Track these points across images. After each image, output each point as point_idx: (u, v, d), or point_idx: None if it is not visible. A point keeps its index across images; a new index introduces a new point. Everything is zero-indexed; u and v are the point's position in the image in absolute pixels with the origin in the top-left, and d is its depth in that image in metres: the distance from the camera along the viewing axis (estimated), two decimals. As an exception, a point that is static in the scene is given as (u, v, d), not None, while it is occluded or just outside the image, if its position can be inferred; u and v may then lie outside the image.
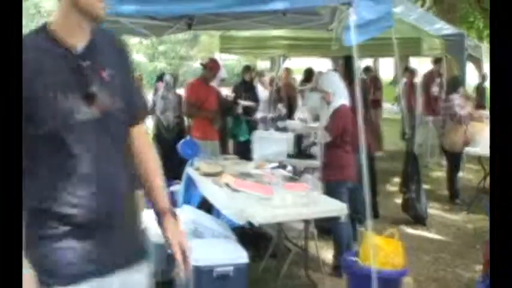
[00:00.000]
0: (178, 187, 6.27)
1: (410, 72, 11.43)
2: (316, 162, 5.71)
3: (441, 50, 9.28)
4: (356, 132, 5.06)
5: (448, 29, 9.64)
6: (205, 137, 6.38)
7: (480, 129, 7.23)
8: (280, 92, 9.41)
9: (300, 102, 9.89)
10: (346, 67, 5.95)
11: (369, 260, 4.34)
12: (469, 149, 7.29)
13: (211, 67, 6.53)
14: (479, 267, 5.31)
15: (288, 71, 9.87)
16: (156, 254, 4.43)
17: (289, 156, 6.01)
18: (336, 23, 5.45)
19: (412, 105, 10.32)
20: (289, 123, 7.82)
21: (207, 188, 4.72)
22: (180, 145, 5.85)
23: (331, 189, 4.73)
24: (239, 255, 3.86)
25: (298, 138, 6.13)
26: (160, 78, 8.28)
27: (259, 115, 8.24)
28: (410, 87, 10.81)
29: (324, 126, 4.98)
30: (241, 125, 7.28)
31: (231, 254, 3.88)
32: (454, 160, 7.74)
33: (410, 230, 6.50)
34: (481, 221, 6.86)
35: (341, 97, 4.98)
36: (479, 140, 7.15)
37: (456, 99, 7.52)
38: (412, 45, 8.20)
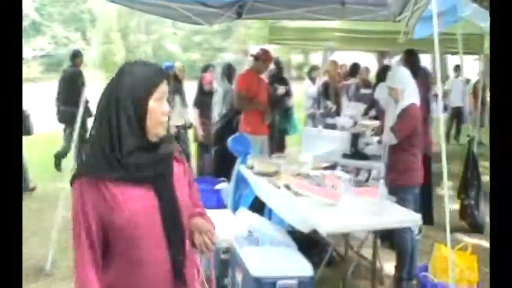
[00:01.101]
0: (225, 185, 5.95)
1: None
2: (375, 164, 5.33)
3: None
4: (423, 132, 4.67)
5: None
6: (256, 132, 6.02)
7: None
8: (327, 87, 8.97)
9: (343, 97, 9.43)
10: (409, 62, 5.54)
11: (443, 276, 3.97)
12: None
13: (263, 58, 6.15)
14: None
15: (335, 64, 9.38)
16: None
17: (345, 156, 5.60)
18: (408, 13, 5.01)
19: (477, 105, 9.88)
20: (338, 120, 7.41)
21: (263, 189, 4.37)
22: (230, 141, 5.50)
23: (396, 195, 4.33)
24: (303, 268, 3.50)
25: (355, 137, 5.71)
26: (205, 69, 7.92)
27: (307, 111, 7.85)
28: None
29: (390, 126, 4.58)
30: (292, 119, 6.86)
31: (294, 266, 3.52)
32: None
33: (467, 239, 6.07)
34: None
35: (411, 95, 4.55)
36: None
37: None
38: (474, 43, 7.67)
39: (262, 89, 6.25)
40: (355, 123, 7.42)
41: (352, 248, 4.60)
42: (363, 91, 10.27)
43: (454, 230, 6.04)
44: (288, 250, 3.75)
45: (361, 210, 3.58)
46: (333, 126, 7.40)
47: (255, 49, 6.59)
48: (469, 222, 6.33)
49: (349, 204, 3.61)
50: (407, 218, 3.71)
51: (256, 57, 6.16)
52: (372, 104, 7.78)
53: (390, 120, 4.65)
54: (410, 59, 5.71)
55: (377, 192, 3.84)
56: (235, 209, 5.21)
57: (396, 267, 4.67)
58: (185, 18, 6.29)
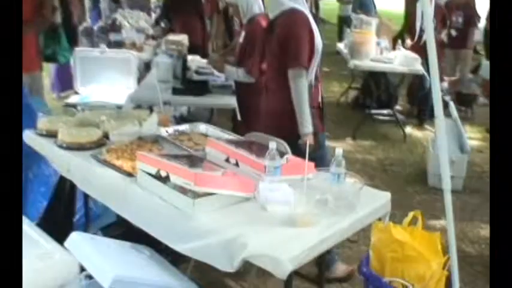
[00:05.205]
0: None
1: None
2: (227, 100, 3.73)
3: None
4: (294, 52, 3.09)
5: None
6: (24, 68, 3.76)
7: (364, 41, 6.40)
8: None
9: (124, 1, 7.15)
10: None
11: (397, 273, 2.66)
12: (355, 62, 6.09)
13: None
14: (439, 222, 4.08)
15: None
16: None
17: (176, 91, 3.78)
18: None
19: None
20: (126, 35, 5.41)
21: (90, 181, 2.41)
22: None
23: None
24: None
25: (184, 62, 3.90)
26: None
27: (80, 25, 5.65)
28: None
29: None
30: (61, 39, 4.64)
31: None
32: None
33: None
34: (374, 149, 6.03)
35: (253, 7, 3.81)
36: (364, 52, 6.33)
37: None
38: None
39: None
40: (147, 38, 5.65)
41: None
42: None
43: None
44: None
45: (314, 209, 1.99)
46: (118, 44, 5.42)
47: None
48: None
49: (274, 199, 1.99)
50: (380, 203, 2.23)
51: None
52: (164, 11, 6.02)
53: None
54: None
55: (311, 165, 2.27)
56: (26, 202, 3.12)
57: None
58: None
